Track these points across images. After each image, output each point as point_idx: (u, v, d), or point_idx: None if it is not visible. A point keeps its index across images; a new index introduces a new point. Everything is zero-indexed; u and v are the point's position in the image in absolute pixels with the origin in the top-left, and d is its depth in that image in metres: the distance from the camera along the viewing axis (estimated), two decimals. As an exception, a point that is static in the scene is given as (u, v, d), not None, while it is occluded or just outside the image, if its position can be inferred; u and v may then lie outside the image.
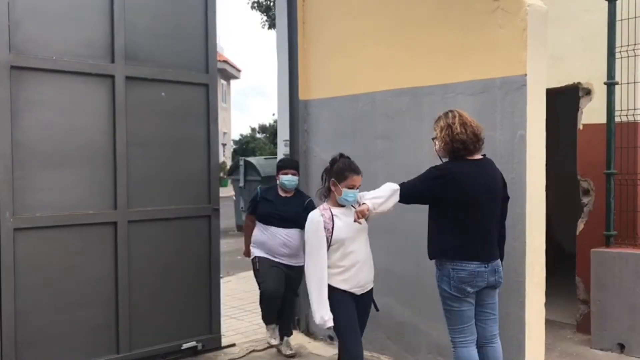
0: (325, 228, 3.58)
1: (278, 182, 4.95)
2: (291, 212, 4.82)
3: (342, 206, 3.69)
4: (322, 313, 3.55)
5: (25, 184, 4.20)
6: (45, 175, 4.30)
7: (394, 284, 4.77)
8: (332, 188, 3.68)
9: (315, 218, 3.63)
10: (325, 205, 3.72)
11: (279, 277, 4.85)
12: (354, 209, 3.63)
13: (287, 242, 4.83)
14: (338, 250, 3.62)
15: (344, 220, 3.64)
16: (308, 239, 3.64)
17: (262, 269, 4.89)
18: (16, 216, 4.16)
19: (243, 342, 5.44)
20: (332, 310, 3.57)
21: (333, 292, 3.60)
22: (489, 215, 3.52)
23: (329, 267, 3.61)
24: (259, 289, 4.95)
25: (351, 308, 3.66)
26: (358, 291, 3.71)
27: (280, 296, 4.88)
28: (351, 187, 3.63)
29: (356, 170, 3.67)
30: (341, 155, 3.78)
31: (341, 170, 3.65)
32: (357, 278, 3.68)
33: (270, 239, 4.87)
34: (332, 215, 3.62)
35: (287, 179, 4.91)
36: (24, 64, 4.19)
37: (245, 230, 5.14)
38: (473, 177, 3.47)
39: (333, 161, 3.75)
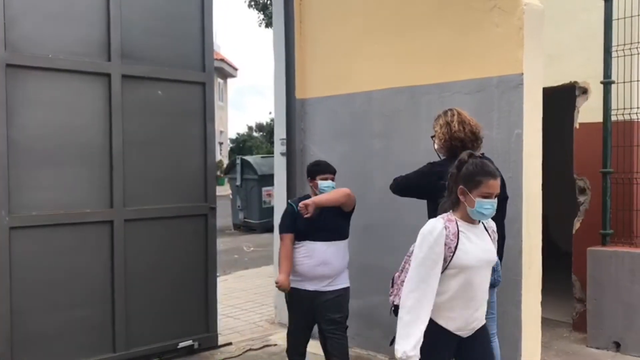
0: (446, 245, 2.73)
1: (315, 189, 4.18)
2: (330, 222, 4.06)
3: (473, 221, 2.84)
4: (406, 347, 2.68)
5: (21, 182, 4.19)
6: (41, 173, 4.29)
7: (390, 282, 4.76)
8: (461, 197, 2.82)
9: (437, 227, 2.76)
10: (450, 215, 2.84)
11: (308, 313, 4.07)
12: (484, 228, 2.90)
13: (328, 259, 4.02)
14: (455, 277, 2.77)
15: (474, 241, 2.81)
16: (419, 252, 2.78)
17: (293, 301, 4.14)
18: (12, 215, 4.14)
19: (239, 341, 5.43)
20: (423, 351, 2.71)
21: (432, 328, 2.76)
22: None
23: (436, 294, 2.77)
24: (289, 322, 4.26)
25: (447, 357, 2.90)
26: (465, 334, 2.87)
27: (308, 335, 4.18)
28: (487, 196, 2.78)
29: (492, 174, 2.82)
30: (470, 155, 2.91)
31: (471, 175, 2.80)
32: (470, 319, 2.85)
33: (307, 258, 4.02)
34: (458, 230, 2.77)
35: (328, 186, 4.16)
36: (20, 62, 4.17)
37: (283, 254, 4.08)
38: None
39: (460, 163, 2.89)
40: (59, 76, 4.35)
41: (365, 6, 5.03)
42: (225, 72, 34.20)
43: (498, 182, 2.82)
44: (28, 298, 4.22)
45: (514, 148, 4.09)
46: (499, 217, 3.66)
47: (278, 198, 5.94)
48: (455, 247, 2.74)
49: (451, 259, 2.73)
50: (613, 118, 5.31)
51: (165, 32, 4.86)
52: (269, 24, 17.83)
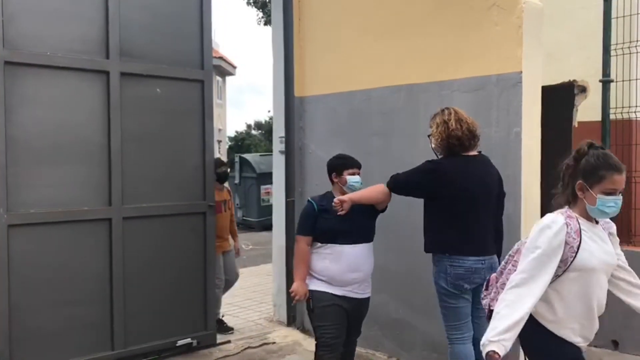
0: (567, 243, 2.42)
1: (342, 185, 3.85)
2: (358, 222, 3.74)
3: (591, 219, 2.53)
4: (488, 335, 2.38)
5: (19, 180, 4.18)
6: (39, 171, 4.28)
7: (390, 280, 4.77)
8: (580, 194, 2.49)
9: (558, 222, 2.44)
10: (570, 211, 2.53)
11: (341, 320, 3.73)
12: (604, 230, 2.60)
13: (358, 263, 3.72)
14: (577, 282, 2.47)
15: (597, 242, 2.51)
16: (534, 246, 2.45)
17: (320, 309, 3.72)
18: (10, 212, 4.14)
19: (238, 339, 5.43)
20: None
21: (553, 342, 2.51)
22: (483, 211, 3.53)
23: (554, 301, 2.49)
24: (315, 334, 3.81)
25: None
26: (583, 346, 2.62)
27: (342, 348, 3.80)
28: (611, 192, 2.47)
29: (617, 168, 2.49)
30: (590, 145, 2.54)
31: (593, 169, 2.47)
32: (592, 329, 2.60)
33: (334, 262, 3.71)
34: (580, 229, 2.46)
35: (357, 181, 3.85)
36: (18, 60, 4.16)
37: (298, 257, 3.79)
38: (467, 173, 3.48)
39: (580, 154, 2.52)
40: (57, 74, 4.34)
41: (365, 4, 5.02)
42: (224, 70, 34.12)
43: (623, 177, 2.49)
44: (26, 296, 4.22)
45: (512, 146, 4.10)
46: (497, 213, 3.68)
47: (277, 196, 5.94)
48: (578, 247, 2.42)
49: (573, 259, 2.42)
50: (612, 117, 5.31)
51: (164, 30, 4.86)
52: (268, 22, 17.80)
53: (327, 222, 3.70)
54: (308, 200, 3.91)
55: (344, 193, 3.79)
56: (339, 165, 3.88)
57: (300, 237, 3.80)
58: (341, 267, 3.68)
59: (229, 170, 5.64)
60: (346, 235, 3.69)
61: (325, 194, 3.91)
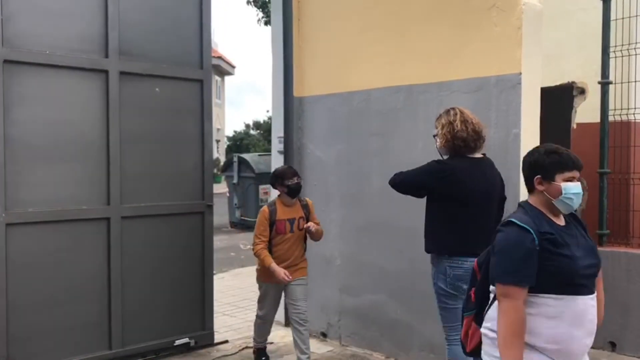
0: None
1: (551, 197, 2.45)
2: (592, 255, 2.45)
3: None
4: None
5: (17, 179, 4.18)
6: (38, 170, 4.28)
7: (388, 281, 4.77)
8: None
9: None
10: None
11: None
12: None
13: (593, 320, 2.39)
14: None
15: None
16: None
17: None
18: (8, 211, 4.13)
19: (236, 339, 5.43)
20: None
21: None
22: (486, 214, 3.53)
23: None
24: None
25: None
26: None
27: None
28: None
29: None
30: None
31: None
32: None
33: (571, 325, 2.32)
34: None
35: (577, 192, 2.44)
36: (17, 58, 4.15)
37: (509, 328, 2.28)
38: (472, 175, 3.48)
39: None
40: (56, 72, 4.33)
41: (364, 5, 5.02)
42: (223, 69, 34.17)
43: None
44: (24, 295, 4.21)
45: (511, 147, 4.10)
46: (497, 217, 3.68)
47: (274, 196, 5.93)
48: None
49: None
50: (610, 118, 5.31)
51: (163, 29, 4.85)
52: (267, 22, 17.78)
53: (565, 262, 2.32)
54: (510, 222, 2.44)
55: (553, 211, 2.46)
56: (552, 164, 2.44)
57: (513, 288, 2.29)
58: (571, 328, 2.31)
59: (301, 182, 4.51)
60: (585, 281, 2.36)
61: (530, 210, 2.48)
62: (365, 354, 4.94)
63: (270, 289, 4.53)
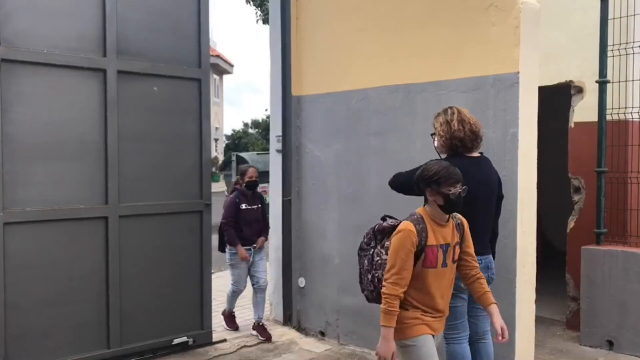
0: None
1: None
2: None
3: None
4: None
5: (15, 178, 4.18)
6: (35, 169, 4.27)
7: (386, 280, 4.77)
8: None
9: None
10: None
11: None
12: None
13: None
14: None
15: None
16: None
17: None
18: (6, 210, 4.13)
19: (234, 338, 5.43)
20: None
21: None
22: (483, 212, 3.54)
23: None
24: None
25: None
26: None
27: None
28: None
29: None
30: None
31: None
32: None
33: None
34: None
35: None
36: (15, 57, 4.15)
37: None
38: (470, 174, 3.48)
39: None
40: (54, 71, 4.33)
41: (362, 4, 5.02)
42: (221, 68, 34.15)
43: None
44: (22, 294, 4.21)
45: (509, 147, 4.10)
46: (494, 215, 3.69)
47: (273, 195, 5.93)
48: None
49: None
50: (608, 117, 5.32)
51: (161, 28, 4.85)
52: (266, 21, 17.76)
53: None
54: None
55: None
56: None
57: None
58: None
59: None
60: None
61: None
62: (363, 352, 4.95)
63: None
